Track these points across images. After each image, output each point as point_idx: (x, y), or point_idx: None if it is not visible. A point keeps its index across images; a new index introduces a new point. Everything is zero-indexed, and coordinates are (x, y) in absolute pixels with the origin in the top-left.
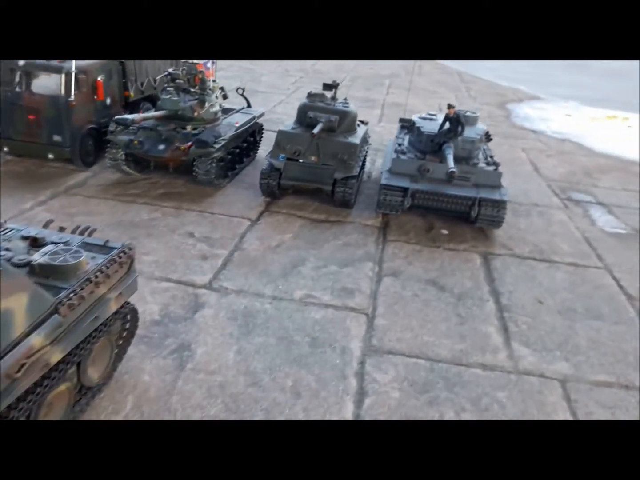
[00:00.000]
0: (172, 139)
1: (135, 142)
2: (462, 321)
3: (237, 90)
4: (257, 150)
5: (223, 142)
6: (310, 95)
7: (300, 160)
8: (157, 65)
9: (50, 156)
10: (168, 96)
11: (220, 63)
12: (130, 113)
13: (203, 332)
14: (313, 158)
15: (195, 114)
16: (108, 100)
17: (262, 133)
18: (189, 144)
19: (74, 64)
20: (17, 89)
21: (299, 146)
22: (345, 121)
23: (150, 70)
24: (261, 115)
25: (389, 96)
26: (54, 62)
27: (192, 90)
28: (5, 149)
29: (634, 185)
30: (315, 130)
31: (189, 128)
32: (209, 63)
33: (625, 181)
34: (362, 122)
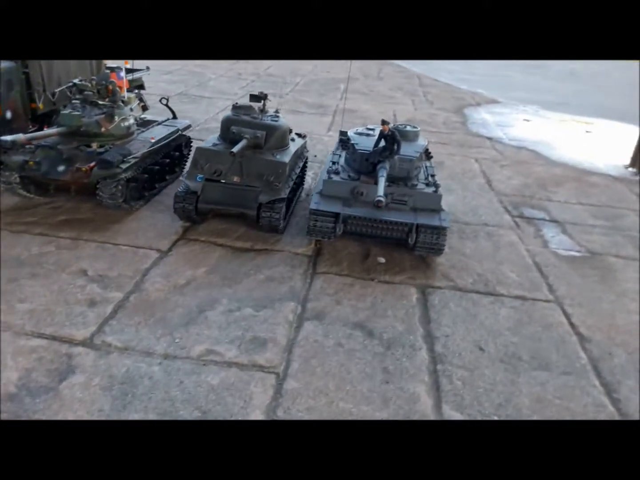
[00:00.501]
0: (73, 159)
1: (31, 162)
2: (388, 378)
3: (160, 101)
4: (184, 166)
5: (134, 161)
6: (235, 108)
7: (222, 181)
8: (71, 74)
9: None
10: (68, 110)
11: (167, 66)
12: (40, 126)
13: (65, 408)
14: (235, 179)
15: (102, 129)
16: (8, 114)
17: (190, 147)
18: (92, 164)
19: None
20: None
21: (220, 165)
22: (274, 137)
23: (63, 79)
24: (187, 127)
25: (343, 102)
26: None
27: (101, 102)
28: None
29: (589, 198)
30: (236, 149)
31: (94, 146)
32: (122, 72)
33: (581, 193)
34: (298, 135)
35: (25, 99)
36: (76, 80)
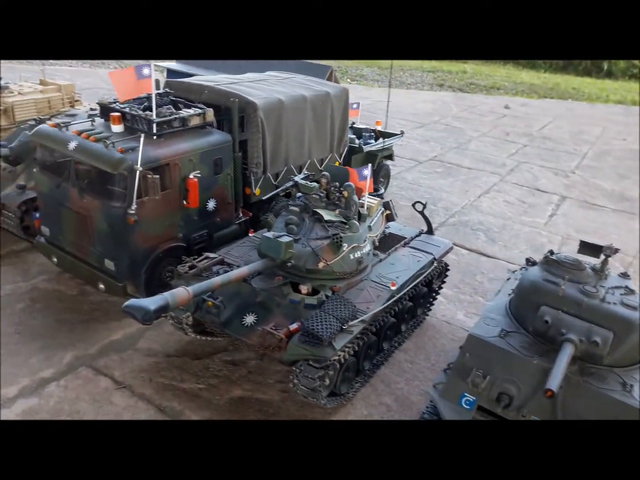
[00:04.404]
0: (270, 308)
1: (210, 303)
2: None
3: (413, 206)
4: (431, 305)
5: (358, 329)
6: (547, 262)
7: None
8: (303, 154)
9: (101, 286)
10: (272, 233)
11: (420, 117)
12: (254, 216)
13: None
14: None
15: (320, 265)
16: (211, 204)
17: (445, 276)
18: (293, 327)
19: (140, 153)
20: (64, 184)
21: (509, 384)
22: (626, 343)
23: (293, 153)
24: (447, 252)
25: None
26: (114, 152)
27: (328, 217)
28: (54, 259)
29: None
30: (553, 383)
31: (304, 290)
32: (367, 170)
33: None
34: None
35: (237, 184)
36: (299, 178)
